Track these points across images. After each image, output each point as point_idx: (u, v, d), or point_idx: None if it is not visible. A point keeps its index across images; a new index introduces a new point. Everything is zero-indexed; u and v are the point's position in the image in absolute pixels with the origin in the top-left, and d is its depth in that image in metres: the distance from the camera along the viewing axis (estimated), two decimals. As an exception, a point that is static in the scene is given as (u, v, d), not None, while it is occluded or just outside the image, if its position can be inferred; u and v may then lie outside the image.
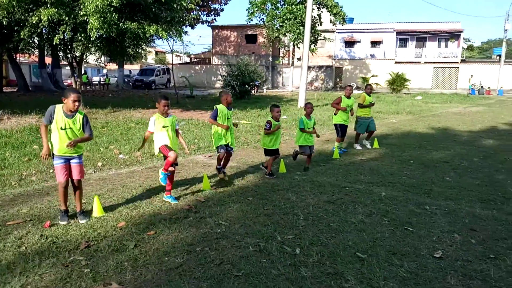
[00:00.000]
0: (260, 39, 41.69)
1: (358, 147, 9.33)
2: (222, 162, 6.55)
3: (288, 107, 20.03)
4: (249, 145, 9.89)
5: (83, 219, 4.57)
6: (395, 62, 42.35)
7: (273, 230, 4.28)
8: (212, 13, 37.84)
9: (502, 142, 10.39)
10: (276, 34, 33.13)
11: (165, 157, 5.29)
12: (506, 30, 43.17)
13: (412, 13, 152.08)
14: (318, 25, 32.71)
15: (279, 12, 32.08)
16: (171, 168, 5.34)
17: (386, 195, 5.58)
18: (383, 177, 6.68)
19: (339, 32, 43.39)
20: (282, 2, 32.27)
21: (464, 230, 4.34)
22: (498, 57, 45.38)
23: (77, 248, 3.81)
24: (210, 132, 11.39)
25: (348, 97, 8.97)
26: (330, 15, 31.84)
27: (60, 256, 3.64)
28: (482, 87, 36.44)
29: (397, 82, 33.22)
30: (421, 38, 44.56)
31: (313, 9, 27.33)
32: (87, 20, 12.96)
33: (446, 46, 44.32)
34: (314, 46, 33.04)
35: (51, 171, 6.89)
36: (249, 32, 43.31)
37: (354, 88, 37.62)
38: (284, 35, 32.67)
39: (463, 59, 47.39)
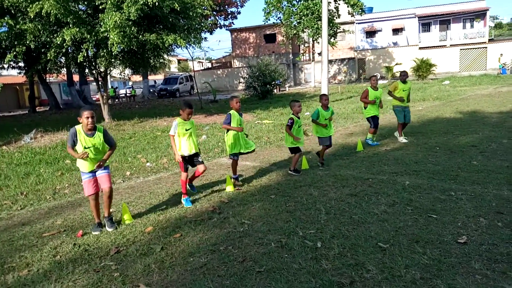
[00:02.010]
0: (279, 38, 41.65)
1: (403, 139, 8.70)
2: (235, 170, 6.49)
3: (311, 103, 19.95)
4: (271, 144, 9.95)
5: (110, 227, 4.75)
6: (419, 48, 41.25)
7: (295, 225, 4.33)
8: (229, 16, 38.20)
9: (534, 121, 9.98)
10: (295, 31, 33.00)
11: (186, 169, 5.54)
12: (535, 3, 41.11)
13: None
14: (336, 18, 32.32)
15: (295, 9, 31.94)
16: (201, 169, 5.60)
17: (410, 184, 5.50)
18: (407, 166, 6.58)
19: (358, 23, 42.71)
20: (298, -1, 32.15)
21: (490, 214, 4.24)
22: (529, 33, 43.40)
23: (108, 254, 4.00)
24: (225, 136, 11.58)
25: (375, 88, 8.67)
26: (348, 6, 31.42)
27: (92, 262, 3.83)
28: (513, 65, 34.93)
29: (423, 68, 32.31)
30: (445, 20, 43.13)
31: (329, 2, 27.05)
32: (108, 36, 13.40)
33: (472, 26, 42.70)
34: (334, 39, 32.70)
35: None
36: (268, 32, 43.35)
37: (378, 78, 36.95)
38: (303, 31, 32.50)
39: (491, 38, 45.56)
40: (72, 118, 20.75)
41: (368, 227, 4.13)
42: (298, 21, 31.85)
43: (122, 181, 7.29)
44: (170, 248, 4.05)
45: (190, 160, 5.61)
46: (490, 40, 42.94)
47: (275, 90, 28.50)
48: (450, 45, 41.96)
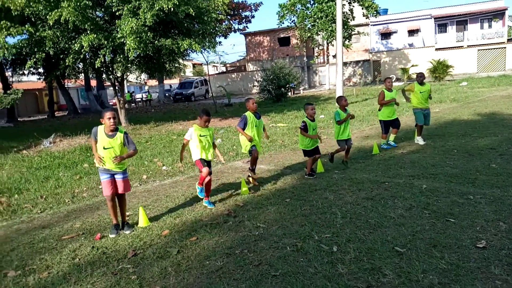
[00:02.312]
0: (293, 41, 41.62)
1: (421, 141, 8.61)
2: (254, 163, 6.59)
3: (325, 106, 19.87)
4: (286, 147, 9.94)
5: (128, 230, 4.85)
6: (436, 49, 40.67)
7: (310, 229, 4.32)
8: (243, 20, 38.41)
9: (556, 123, 9.74)
10: (309, 34, 32.94)
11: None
12: (556, 2, 40.19)
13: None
14: (351, 20, 32.15)
15: (309, 12, 31.90)
16: (207, 179, 5.54)
17: (427, 187, 5.43)
18: (424, 169, 6.50)
19: (373, 25, 42.40)
20: (312, 2, 32.07)
21: (510, 218, 4.15)
22: (550, 32, 42.42)
23: (125, 257, 4.06)
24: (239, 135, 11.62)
25: (390, 90, 8.60)
26: (362, 8, 31.23)
27: (109, 265, 3.89)
28: (534, 65, 34.15)
29: (439, 70, 31.87)
30: (462, 21, 42.45)
31: (343, 4, 26.99)
32: (124, 41, 13.63)
33: (490, 26, 41.92)
34: (349, 41, 32.54)
35: (100, 187, 7.33)
36: (282, 35, 43.38)
37: (394, 80, 36.39)
38: (317, 34, 32.41)
39: (510, 38, 44.66)
40: (90, 122, 21.13)
41: (384, 231, 4.09)
42: (312, 24, 31.80)
43: (138, 185, 7.39)
44: (186, 251, 4.09)
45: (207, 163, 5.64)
46: (509, 40, 42.04)
47: (289, 93, 28.48)
48: (468, 45, 41.27)
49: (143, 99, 40.56)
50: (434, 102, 16.88)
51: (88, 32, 13.62)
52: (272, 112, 18.76)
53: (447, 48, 40.93)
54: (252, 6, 37.90)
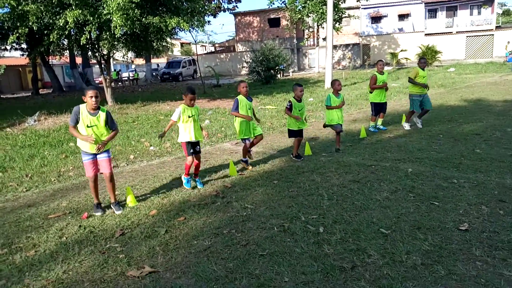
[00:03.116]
0: (284, 22, 41.21)
1: (407, 126, 8.68)
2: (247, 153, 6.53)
3: (314, 89, 19.86)
4: (274, 130, 9.95)
5: (118, 210, 4.82)
6: (425, 34, 40.75)
7: (297, 210, 4.37)
8: (233, 0, 37.64)
9: (539, 110, 9.93)
10: (299, 16, 32.63)
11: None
12: (545, -10, 40.48)
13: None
14: (342, 2, 31.89)
15: (300, -7, 31.54)
16: (192, 166, 5.56)
17: (413, 171, 5.52)
18: (410, 153, 6.59)
19: (364, 8, 42.12)
20: (303, -18, 31.67)
21: (492, 202, 4.27)
22: (537, 20, 42.76)
23: (113, 236, 4.06)
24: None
25: (381, 73, 8.69)
26: (354, -9, 31.00)
27: (97, 244, 3.89)
28: (520, 53, 34.52)
29: (428, 55, 32.00)
30: (452, 7, 42.47)
31: (335, -14, 26.73)
32: (111, 18, 13.30)
33: (479, 13, 42.07)
34: (339, 24, 32.32)
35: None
36: (272, 16, 42.88)
37: (384, 63, 36.62)
38: (307, 16, 32.13)
39: (498, 25, 44.93)
40: (75, 100, 20.76)
41: (370, 213, 4.17)
42: (303, 5, 31.48)
43: (125, 165, 7.34)
44: (174, 231, 4.10)
45: (193, 146, 5.58)
46: (498, 28, 42.35)
47: (278, 75, 28.34)
48: (457, 32, 41.44)
49: (130, 78, 39.89)
50: (421, 87, 16.99)
51: (73, 7, 13.24)
52: (261, 94, 18.67)
53: (436, 33, 41.04)
54: (243, -15, 37.20)
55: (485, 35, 40.71)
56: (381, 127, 8.85)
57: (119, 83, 37.62)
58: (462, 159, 5.99)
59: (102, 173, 4.84)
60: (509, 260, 3.09)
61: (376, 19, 43.63)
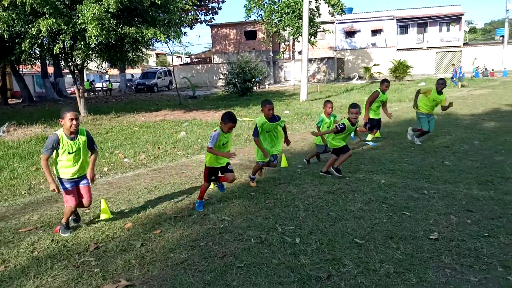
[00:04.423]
0: (260, 35, 41.70)
1: (418, 141, 8.30)
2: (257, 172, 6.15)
3: (290, 101, 20.12)
4: (251, 141, 10.00)
5: (66, 233, 4.43)
6: (397, 49, 42.12)
7: (274, 222, 4.42)
8: (210, 12, 37.99)
9: (503, 124, 10.41)
10: (275, 29, 33.13)
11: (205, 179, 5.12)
12: (508, 10, 42.73)
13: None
14: (317, 17, 32.61)
15: (276, 7, 32.05)
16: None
17: (386, 183, 5.68)
18: (383, 165, 6.77)
19: (338, 23, 43.21)
20: (280, -3, 32.24)
21: (460, 212, 4.44)
22: (501, 38, 44.95)
23: (87, 250, 3.98)
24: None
25: (384, 92, 8.50)
26: (328, 6, 31.74)
27: (71, 258, 3.81)
28: (486, 69, 36.13)
29: (400, 70, 33.07)
30: (422, 23, 44.20)
31: (310, 1, 27.28)
32: (86, 28, 13.17)
33: (448, 30, 43.93)
34: (314, 38, 32.99)
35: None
36: (248, 29, 43.35)
37: (356, 78, 37.31)
38: (283, 29, 32.66)
39: (465, 42, 46.99)
40: (47, 111, 20.29)
41: (345, 223, 4.26)
42: (279, 19, 32.00)
43: (99, 177, 7.21)
44: (150, 244, 4.07)
45: (217, 172, 5.14)
46: (465, 44, 44.31)
47: (255, 88, 28.57)
48: (427, 47, 43.06)
49: (104, 88, 39.29)
50: (394, 101, 17.53)
51: (47, 16, 13.04)
52: (238, 106, 18.77)
53: (407, 49, 42.49)
54: (219, -3, 37.56)
55: (453, 51, 42.46)
56: (371, 143, 8.62)
57: (92, 94, 36.96)
58: (432, 170, 6.21)
59: (82, 200, 4.55)
60: (476, 267, 3.23)
61: (350, 34, 44.81)
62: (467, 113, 12.68)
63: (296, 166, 7.10)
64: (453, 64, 29.21)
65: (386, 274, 3.17)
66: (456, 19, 43.03)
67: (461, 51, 42.16)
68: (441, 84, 8.04)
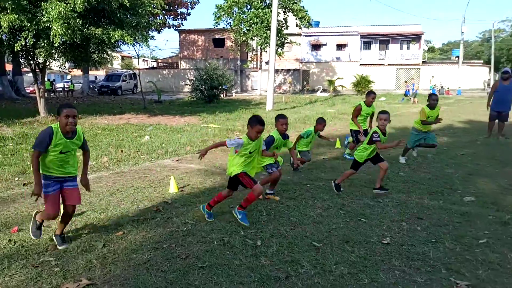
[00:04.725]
0: (228, 43, 41.99)
1: (402, 160, 8.09)
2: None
3: (256, 110, 20.37)
4: (217, 148, 10.08)
5: (62, 245, 4.01)
6: (360, 64, 43.67)
7: (237, 225, 4.53)
8: (178, 17, 37.88)
9: (455, 139, 11.08)
10: (244, 38, 33.52)
11: (247, 186, 4.57)
12: (463, 32, 45.48)
13: (375, 16, 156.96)
14: (285, 29, 33.33)
15: (245, 16, 32.50)
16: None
17: (344, 191, 5.95)
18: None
19: (305, 36, 44.28)
20: (249, 6, 32.68)
21: (411, 219, 4.75)
22: (456, 58, 47.68)
23: (46, 250, 3.93)
24: (178, 137, 11.59)
25: (369, 106, 8.30)
26: (296, 19, 32.54)
27: (29, 258, 3.75)
28: (442, 87, 38.15)
29: (362, 84, 34.35)
30: (384, 41, 46.11)
31: (279, 13, 27.90)
32: (50, 26, 12.82)
33: (408, 48, 46.08)
34: (281, 49, 33.66)
35: (16, 179, 6.88)
36: (217, 36, 43.53)
37: (321, 91, 38.16)
38: (252, 39, 33.12)
39: (424, 60, 49.44)
40: (3, 110, 19.43)
41: (304, 228, 4.45)
42: (248, 28, 32.44)
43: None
44: (112, 245, 4.07)
45: (237, 183, 4.66)
46: (424, 62, 46.60)
47: (222, 95, 28.69)
48: (388, 64, 44.90)
49: (65, 89, 38.07)
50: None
51: (8, 11, 12.58)
52: (204, 112, 18.80)
53: (370, 64, 44.12)
54: (189, 3, 37.52)
55: (412, 69, 44.55)
56: (348, 156, 8.42)
57: (53, 94, 35.72)
58: (387, 181, 6.55)
59: (67, 204, 3.98)
60: (422, 269, 3.50)
61: (316, 47, 46.00)
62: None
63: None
64: (405, 82, 30.55)
65: (340, 275, 3.37)
66: (416, 38, 45.23)
67: (419, 68, 44.32)
68: (434, 100, 7.90)
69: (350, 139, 8.66)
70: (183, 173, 7.38)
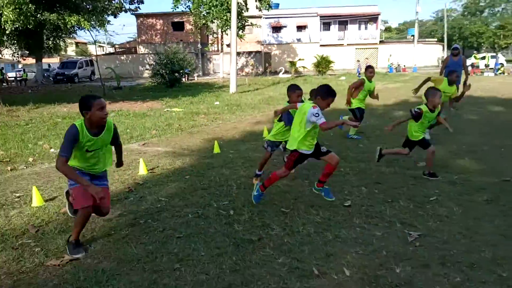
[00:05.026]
0: (188, 27, 41.35)
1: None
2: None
3: (220, 93, 20.44)
4: (183, 130, 10.19)
5: (79, 253, 3.46)
6: (320, 45, 44.35)
7: (210, 199, 4.77)
8: (135, 1, 36.62)
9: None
10: (204, 21, 33.15)
11: (287, 164, 4.39)
12: (417, 12, 47.01)
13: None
14: (245, 11, 33.20)
15: (205, -1, 32.07)
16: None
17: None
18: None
19: (266, 18, 44.31)
20: (208, -11, 32.24)
21: (370, 184, 5.17)
22: (412, 37, 49.34)
23: (24, 234, 4.01)
24: (142, 121, 11.56)
25: (370, 80, 8.25)
26: (256, 1, 32.48)
27: (7, 241, 3.82)
28: (399, 65, 39.58)
29: (323, 64, 34.99)
30: (343, 21, 46.98)
31: (238, -5, 27.75)
32: (1, 12, 12.26)
33: (366, 28, 47.22)
34: (242, 32, 33.58)
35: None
36: (176, 20, 42.73)
37: (283, 72, 38.51)
38: (212, 21, 32.80)
39: (381, 40, 50.83)
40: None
41: (272, 197, 4.76)
42: (208, 11, 32.07)
43: (25, 167, 6.98)
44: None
45: (305, 158, 4.42)
46: (381, 42, 47.92)
47: (183, 79, 28.40)
48: (347, 44, 45.85)
49: (17, 78, 36.31)
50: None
51: (-47, -3, 11.92)
52: (166, 97, 18.65)
53: (330, 45, 44.89)
54: (145, -14, 36.49)
55: (371, 48, 45.76)
56: (355, 136, 8.36)
57: (5, 84, 33.99)
58: (348, 152, 6.99)
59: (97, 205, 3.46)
60: (380, 225, 3.90)
61: (276, 29, 46.18)
62: (380, 104, 13.99)
63: (228, 152, 7.49)
64: (358, 60, 31.45)
65: (307, 234, 3.71)
66: (373, 18, 46.38)
67: (377, 48, 45.62)
68: (456, 76, 7.72)
69: (345, 117, 8.01)
70: (151, 156, 7.48)
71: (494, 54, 42.16)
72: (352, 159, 6.49)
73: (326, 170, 4.39)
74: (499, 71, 31.87)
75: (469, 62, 39.77)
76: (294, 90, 4.99)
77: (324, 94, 4.12)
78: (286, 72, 39.19)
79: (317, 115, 4.03)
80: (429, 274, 2.99)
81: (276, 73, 40.22)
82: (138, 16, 43.11)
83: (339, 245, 3.50)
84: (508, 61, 46.36)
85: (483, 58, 38.60)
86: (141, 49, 44.68)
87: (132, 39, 56.47)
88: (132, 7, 34.12)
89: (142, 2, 33.32)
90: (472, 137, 8.14)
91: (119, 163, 4.20)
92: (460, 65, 11.58)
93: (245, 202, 4.61)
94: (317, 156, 4.38)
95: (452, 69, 11.68)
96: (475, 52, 49.53)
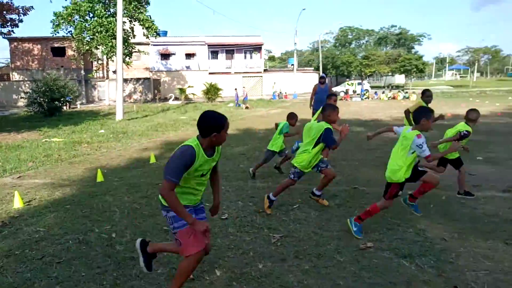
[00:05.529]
0: (70, 52, 39.10)
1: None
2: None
3: (105, 121, 19.81)
4: (63, 161, 9.78)
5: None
6: (209, 73, 45.67)
7: (91, 225, 4.85)
8: (8, 24, 33.52)
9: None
10: (87, 47, 31.76)
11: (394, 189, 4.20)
12: (295, 43, 51.63)
13: (220, 27, 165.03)
14: (132, 38, 32.77)
15: (88, 25, 30.86)
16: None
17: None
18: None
19: (154, 45, 44.19)
20: (91, 15, 31.14)
21: (246, 199, 5.79)
22: (292, 66, 53.80)
23: None
24: (17, 153, 10.74)
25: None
26: (143, 28, 32.33)
27: None
28: (281, 92, 42.74)
29: (212, 92, 36.10)
30: (230, 50, 49.21)
31: (124, 22, 27.34)
32: None
33: (251, 57, 50.14)
34: (129, 58, 32.98)
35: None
36: (56, 45, 40.13)
37: (172, 99, 38.59)
38: (96, 48, 31.62)
39: (265, 68, 54.33)
40: None
41: (157, 218, 5.04)
42: (92, 37, 30.91)
43: None
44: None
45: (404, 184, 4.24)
46: (265, 70, 51.21)
47: (64, 107, 26.71)
48: (234, 72, 48.03)
49: None
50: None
51: None
52: (45, 126, 17.42)
53: (218, 72, 46.52)
54: (21, 9, 33.50)
55: (256, 76, 48.62)
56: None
57: None
58: (230, 172, 7.59)
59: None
60: (250, 232, 4.48)
61: (165, 56, 46.34)
62: (262, 128, 15.19)
63: (113, 180, 7.50)
64: (235, 89, 33.35)
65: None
66: (257, 48, 49.54)
67: (262, 76, 48.66)
68: (428, 96, 7.39)
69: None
70: (27, 188, 7.12)
71: (360, 81, 48.43)
72: (232, 178, 7.10)
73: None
74: (365, 96, 36.61)
75: (343, 88, 45.09)
76: (333, 108, 4.99)
77: (426, 113, 4.14)
78: (176, 98, 39.36)
79: (421, 146, 3.97)
80: (285, 266, 3.61)
81: (166, 99, 40.13)
82: (11, 40, 39.40)
83: (213, 253, 3.94)
84: (372, 87, 53.39)
85: (352, 84, 44.19)
86: (15, 76, 40.70)
87: (4, 65, 51.06)
88: (5, 30, 31.30)
89: (17, 26, 30.76)
90: (333, 154, 9.44)
91: (217, 200, 3.51)
92: (326, 91, 13.32)
93: (128, 225, 4.81)
94: (416, 178, 4.40)
95: (319, 95, 13.44)
96: (347, 80, 56.17)
